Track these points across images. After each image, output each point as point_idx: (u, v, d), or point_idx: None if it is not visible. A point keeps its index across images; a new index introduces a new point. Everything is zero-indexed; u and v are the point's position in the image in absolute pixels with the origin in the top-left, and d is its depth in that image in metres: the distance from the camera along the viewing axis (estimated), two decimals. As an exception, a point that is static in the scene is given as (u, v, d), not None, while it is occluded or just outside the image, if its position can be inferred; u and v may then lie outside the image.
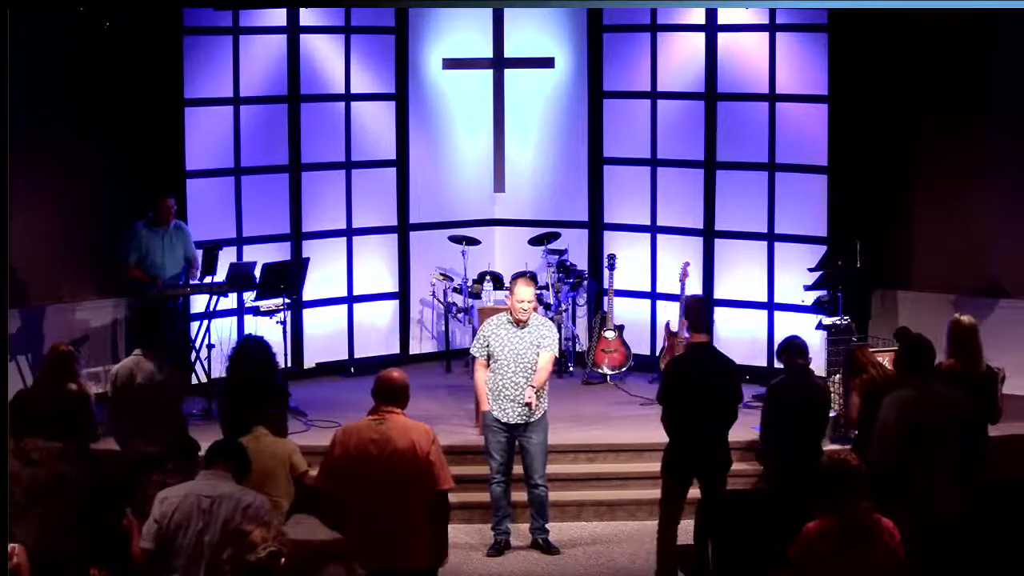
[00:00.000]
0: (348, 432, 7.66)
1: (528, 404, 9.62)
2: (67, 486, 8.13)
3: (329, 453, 7.66)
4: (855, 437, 9.31)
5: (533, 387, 9.64)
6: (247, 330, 12.51)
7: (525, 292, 9.76)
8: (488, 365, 9.84)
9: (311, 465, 8.18)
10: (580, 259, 13.56)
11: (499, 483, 9.90)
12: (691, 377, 9.06)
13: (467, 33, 13.71)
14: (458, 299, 13.27)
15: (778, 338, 10.62)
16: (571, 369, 13.17)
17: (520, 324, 9.77)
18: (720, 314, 13.08)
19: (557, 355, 10.03)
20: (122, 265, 11.77)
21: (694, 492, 9.24)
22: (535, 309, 9.93)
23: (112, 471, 9.12)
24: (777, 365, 9.70)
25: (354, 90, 13.35)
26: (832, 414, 11.05)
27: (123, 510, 7.44)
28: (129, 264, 11.70)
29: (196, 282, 11.89)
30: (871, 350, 9.84)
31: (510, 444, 9.86)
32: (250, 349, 9.31)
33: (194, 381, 11.94)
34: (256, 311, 12.14)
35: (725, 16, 12.82)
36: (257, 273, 12.02)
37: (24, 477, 8.03)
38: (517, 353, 9.74)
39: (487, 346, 9.83)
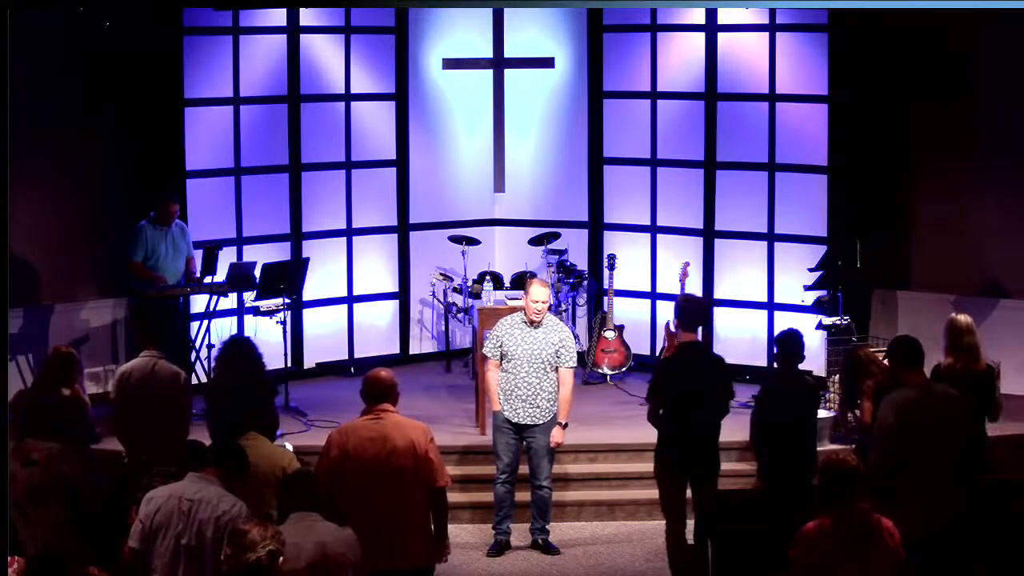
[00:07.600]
0: (345, 432, 7.65)
1: (557, 443, 9.89)
2: (66, 487, 8.13)
3: (325, 454, 7.64)
4: (858, 439, 9.28)
5: (561, 427, 9.83)
6: (247, 330, 12.52)
7: (541, 293, 9.77)
8: (500, 365, 9.86)
9: (309, 467, 8.12)
10: (580, 259, 13.56)
11: (504, 483, 9.91)
12: (683, 377, 9.04)
13: (467, 33, 13.71)
14: (458, 299, 13.26)
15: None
16: (571, 369, 13.16)
17: (534, 324, 9.79)
18: (720, 314, 13.10)
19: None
20: (129, 264, 11.75)
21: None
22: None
23: (113, 471, 9.10)
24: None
25: (354, 90, 13.34)
26: (832, 414, 11.05)
27: (127, 509, 7.42)
28: (136, 263, 11.68)
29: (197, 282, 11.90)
30: (871, 350, 9.82)
31: (518, 445, 9.88)
32: (236, 350, 9.19)
33: (194, 381, 11.92)
34: (256, 311, 12.15)
35: (725, 16, 12.82)
36: (257, 273, 12.02)
37: (23, 478, 8.03)
38: (532, 353, 9.75)
39: (500, 346, 9.83)
